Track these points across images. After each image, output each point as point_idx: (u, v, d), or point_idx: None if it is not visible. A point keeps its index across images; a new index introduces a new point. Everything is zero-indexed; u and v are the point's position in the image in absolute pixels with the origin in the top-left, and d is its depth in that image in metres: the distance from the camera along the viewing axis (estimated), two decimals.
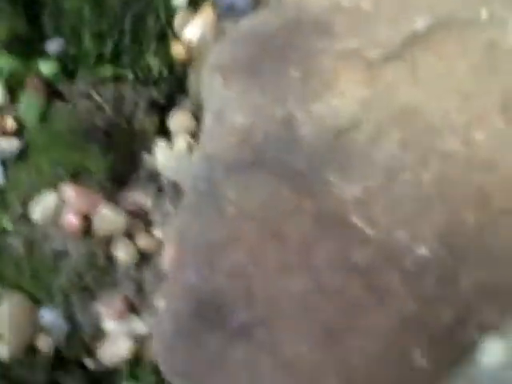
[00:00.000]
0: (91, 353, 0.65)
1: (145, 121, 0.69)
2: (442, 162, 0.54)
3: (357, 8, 0.58)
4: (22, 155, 0.68)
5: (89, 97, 0.70)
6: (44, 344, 0.65)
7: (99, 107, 0.69)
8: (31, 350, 0.64)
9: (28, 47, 0.70)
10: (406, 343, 0.52)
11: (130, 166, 0.69)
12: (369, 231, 0.53)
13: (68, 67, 0.71)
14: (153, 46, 0.71)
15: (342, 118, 0.55)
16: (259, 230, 0.55)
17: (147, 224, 0.67)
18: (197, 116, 0.68)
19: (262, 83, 0.57)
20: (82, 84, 0.70)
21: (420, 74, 0.55)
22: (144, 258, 0.66)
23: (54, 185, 0.67)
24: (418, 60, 0.56)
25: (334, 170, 0.55)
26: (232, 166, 0.57)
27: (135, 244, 0.66)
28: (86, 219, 0.66)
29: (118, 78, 0.70)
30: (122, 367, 0.64)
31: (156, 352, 0.58)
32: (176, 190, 0.67)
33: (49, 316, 0.65)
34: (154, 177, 0.68)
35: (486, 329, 0.51)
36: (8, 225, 0.67)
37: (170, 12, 0.71)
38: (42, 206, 0.67)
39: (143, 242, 0.66)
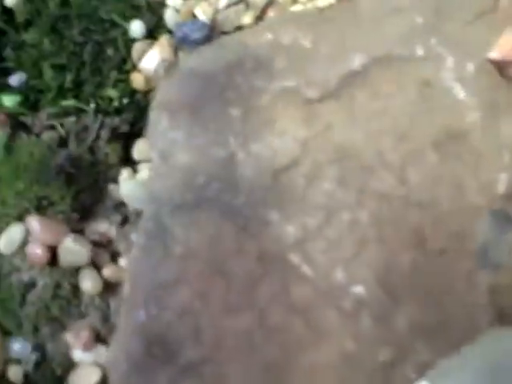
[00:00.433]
0: (61, 382, 0.66)
1: (108, 150, 0.70)
2: (378, 202, 0.54)
3: (297, 45, 0.58)
4: None
5: (52, 128, 0.71)
6: (14, 374, 0.66)
7: (62, 138, 0.71)
8: (2, 380, 0.66)
9: None
10: (344, 381, 0.53)
11: (95, 196, 0.70)
12: (307, 270, 0.54)
13: (31, 100, 0.72)
14: (113, 76, 0.71)
15: (280, 158, 0.56)
16: (205, 268, 0.56)
17: (112, 253, 0.68)
18: None
19: (204, 123, 0.58)
20: (45, 116, 0.71)
21: (356, 113, 0.56)
22: (109, 287, 0.67)
23: (19, 216, 0.68)
24: (354, 99, 0.56)
25: (273, 210, 0.55)
26: (178, 206, 0.58)
27: (100, 274, 0.67)
28: (52, 250, 0.67)
29: (80, 109, 0.71)
30: None
31: None
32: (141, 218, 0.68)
33: (19, 346, 0.66)
34: (118, 206, 0.69)
35: (422, 368, 0.51)
36: None
37: (129, 43, 0.71)
38: (8, 238, 0.68)
39: (108, 271, 0.67)
